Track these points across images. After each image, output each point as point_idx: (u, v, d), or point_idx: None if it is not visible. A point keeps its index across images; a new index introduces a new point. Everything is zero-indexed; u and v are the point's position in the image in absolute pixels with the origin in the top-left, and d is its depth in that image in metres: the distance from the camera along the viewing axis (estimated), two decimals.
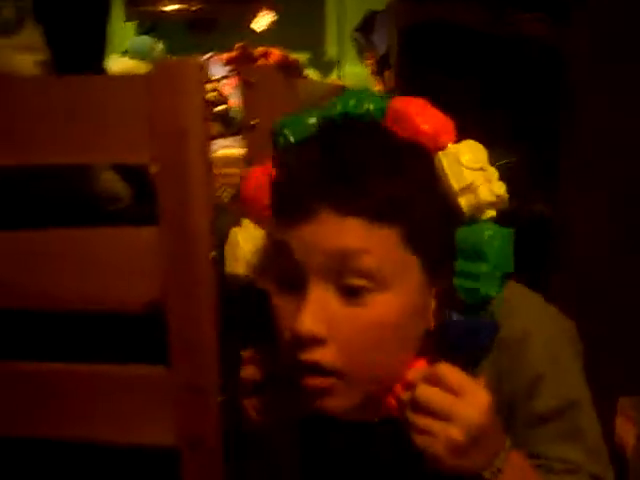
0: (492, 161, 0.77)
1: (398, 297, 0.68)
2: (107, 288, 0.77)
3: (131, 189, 1.01)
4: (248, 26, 2.78)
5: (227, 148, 2.08)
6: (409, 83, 2.56)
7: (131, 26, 3.01)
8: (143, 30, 3.01)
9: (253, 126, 1.07)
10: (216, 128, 2.36)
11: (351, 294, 0.68)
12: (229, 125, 2.35)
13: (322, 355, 0.69)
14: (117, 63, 2.54)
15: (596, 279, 1.41)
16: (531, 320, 0.76)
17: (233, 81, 2.66)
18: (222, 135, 2.17)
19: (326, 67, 2.89)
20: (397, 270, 0.68)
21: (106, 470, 0.94)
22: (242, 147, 1.12)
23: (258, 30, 2.77)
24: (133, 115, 0.71)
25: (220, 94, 2.22)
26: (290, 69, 2.45)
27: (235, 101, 2.50)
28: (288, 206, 0.71)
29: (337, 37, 2.84)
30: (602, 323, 1.30)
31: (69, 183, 0.89)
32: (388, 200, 0.68)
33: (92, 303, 0.78)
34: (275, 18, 2.69)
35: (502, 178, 0.77)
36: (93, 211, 0.92)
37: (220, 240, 0.91)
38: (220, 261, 0.80)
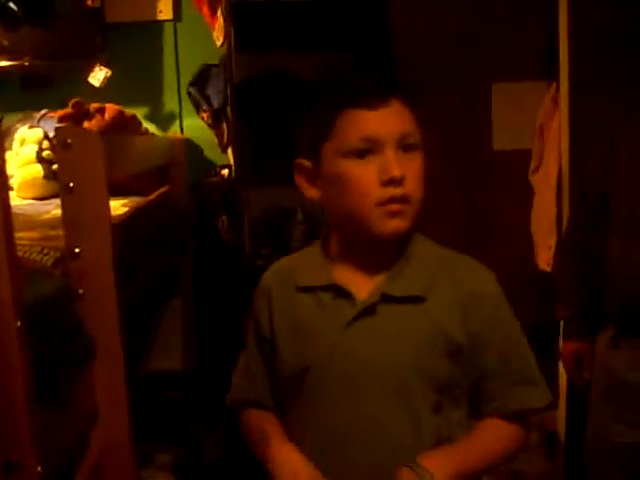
0: None
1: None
2: None
3: None
4: (84, 82, 2.74)
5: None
6: (245, 135, 2.62)
7: None
8: None
9: (71, 189, 1.07)
10: (52, 187, 2.29)
11: (406, 150, 1.19)
12: None
13: (403, 189, 1.17)
14: None
15: None
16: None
17: None
18: (58, 195, 2.11)
19: (166, 121, 2.89)
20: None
21: None
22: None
23: (97, 84, 2.74)
24: None
25: (55, 152, 2.16)
26: (127, 125, 2.44)
27: None
28: (367, 97, 1.18)
29: (176, 91, 2.86)
30: None
31: None
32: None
33: None
34: (110, 74, 2.67)
35: None
36: None
37: (41, 306, 0.89)
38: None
